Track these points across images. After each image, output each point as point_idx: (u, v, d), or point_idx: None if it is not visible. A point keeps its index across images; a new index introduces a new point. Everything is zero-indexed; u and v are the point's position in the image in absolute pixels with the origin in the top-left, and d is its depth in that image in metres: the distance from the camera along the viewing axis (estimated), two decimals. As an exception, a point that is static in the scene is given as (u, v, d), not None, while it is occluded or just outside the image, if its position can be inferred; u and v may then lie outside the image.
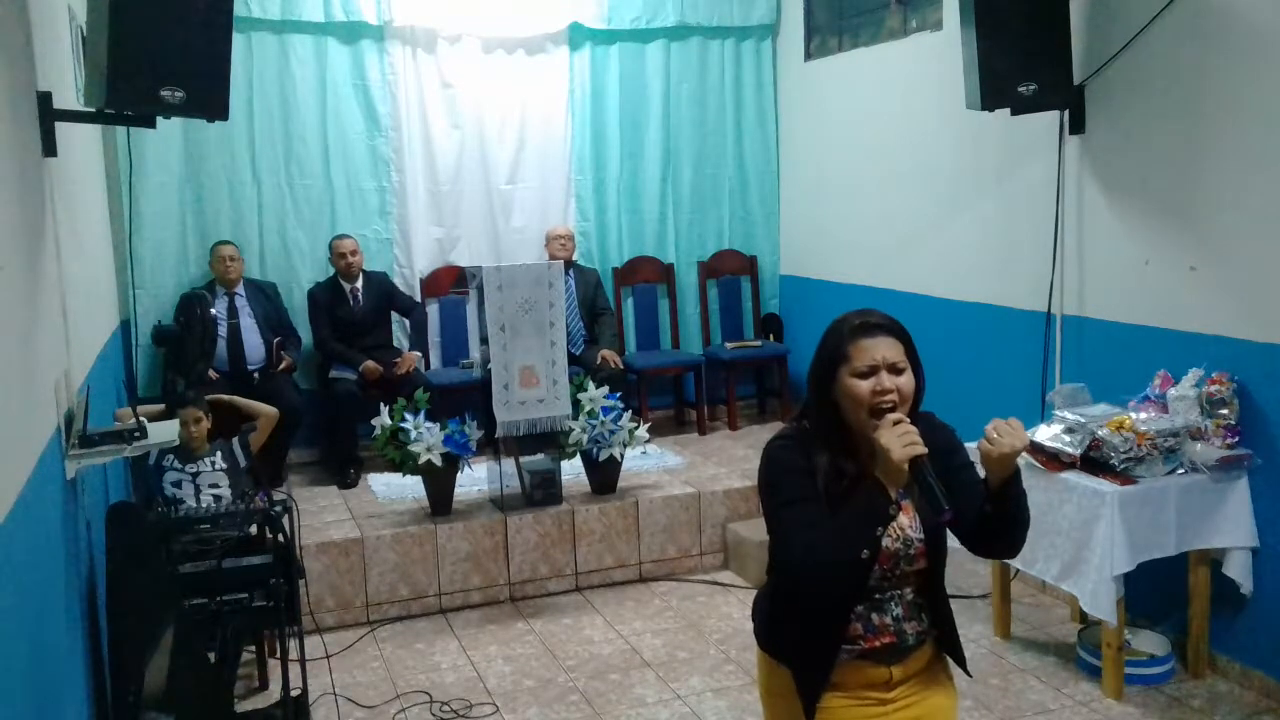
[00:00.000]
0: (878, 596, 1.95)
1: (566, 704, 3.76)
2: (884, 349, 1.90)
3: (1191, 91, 3.74)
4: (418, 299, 6.00)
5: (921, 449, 1.81)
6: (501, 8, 6.01)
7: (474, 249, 6.19)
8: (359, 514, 4.84)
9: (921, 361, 1.96)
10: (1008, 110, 4.16)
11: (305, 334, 5.71)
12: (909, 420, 1.86)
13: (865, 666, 1.96)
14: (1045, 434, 3.74)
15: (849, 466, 1.93)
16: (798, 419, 2.04)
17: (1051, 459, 3.67)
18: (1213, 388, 3.61)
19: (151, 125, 3.36)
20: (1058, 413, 3.80)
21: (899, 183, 5.47)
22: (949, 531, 1.99)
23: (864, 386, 1.89)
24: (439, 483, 4.72)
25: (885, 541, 1.89)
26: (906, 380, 1.91)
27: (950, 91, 4.42)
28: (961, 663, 2.08)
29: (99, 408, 3.38)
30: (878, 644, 1.95)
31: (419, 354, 5.73)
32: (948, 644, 2.06)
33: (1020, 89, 4.01)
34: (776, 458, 1.99)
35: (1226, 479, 3.58)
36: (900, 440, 1.80)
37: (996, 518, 1.91)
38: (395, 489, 5.06)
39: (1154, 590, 3.85)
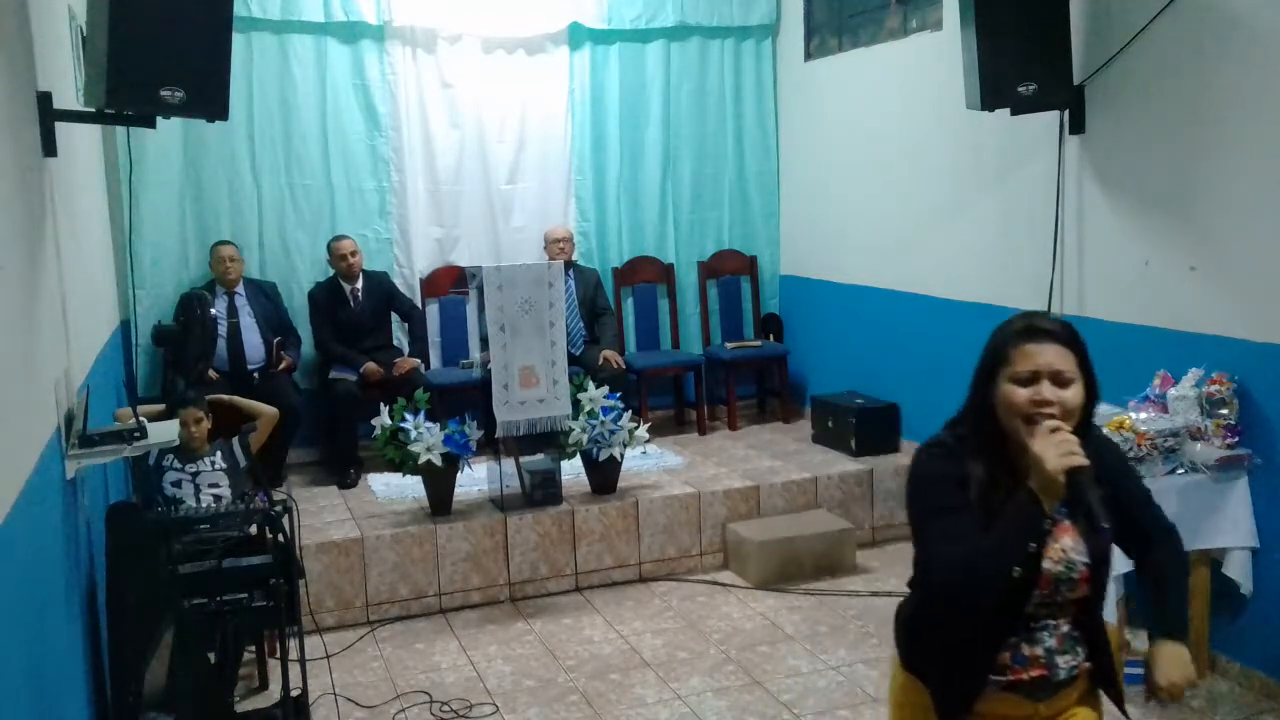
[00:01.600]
0: (1032, 625, 1.82)
1: (566, 704, 3.76)
2: (1050, 356, 1.76)
3: (1191, 91, 3.74)
4: (418, 299, 6.00)
5: (1081, 460, 1.68)
6: (501, 8, 6.01)
7: (474, 249, 6.19)
8: (359, 514, 4.84)
9: (1096, 375, 1.81)
10: (1008, 110, 4.16)
11: (305, 334, 5.71)
12: (1068, 429, 1.73)
13: (1010, 699, 1.84)
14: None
15: (1005, 478, 1.79)
16: (952, 426, 1.89)
17: (1051, 459, 3.66)
18: (1212, 388, 3.61)
19: (151, 125, 3.36)
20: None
21: (899, 182, 5.47)
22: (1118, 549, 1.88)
23: (1022, 394, 1.76)
24: (439, 483, 4.72)
25: (1045, 564, 1.77)
26: (1073, 394, 1.76)
27: (950, 91, 4.42)
28: (1119, 701, 1.95)
29: (99, 408, 3.38)
30: (1025, 677, 1.83)
31: (418, 360, 5.73)
32: (1103, 679, 1.93)
33: (1020, 89, 4.01)
34: (924, 465, 1.85)
35: (1226, 479, 3.58)
36: (1057, 449, 1.68)
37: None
38: (395, 489, 5.06)
39: (1154, 590, 3.84)
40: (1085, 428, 1.80)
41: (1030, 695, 1.84)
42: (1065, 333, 1.79)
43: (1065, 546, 1.81)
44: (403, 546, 4.56)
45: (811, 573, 4.81)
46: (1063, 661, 1.84)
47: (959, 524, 1.75)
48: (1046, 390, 1.74)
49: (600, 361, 5.70)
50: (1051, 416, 1.73)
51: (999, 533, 1.72)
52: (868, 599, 4.57)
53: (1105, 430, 3.58)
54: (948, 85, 4.51)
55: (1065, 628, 1.85)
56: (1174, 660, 1.85)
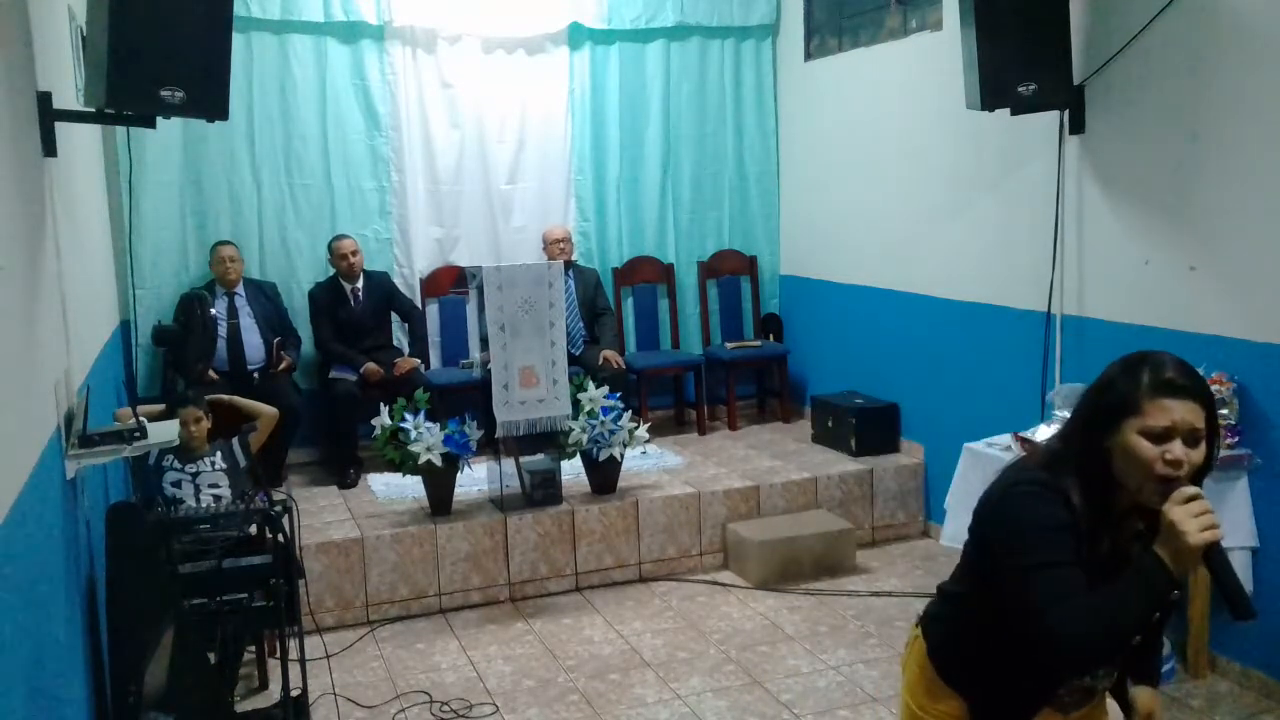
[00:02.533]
0: None
1: (566, 704, 3.76)
2: (1186, 413, 1.65)
3: (1191, 91, 3.74)
4: (418, 299, 6.00)
5: (1219, 534, 1.59)
6: (501, 8, 6.01)
7: (474, 249, 6.19)
8: (359, 514, 4.84)
9: (1218, 434, 1.73)
10: (1008, 110, 4.16)
11: (305, 334, 5.71)
12: (1205, 498, 1.62)
13: (1046, 714, 1.87)
14: (1045, 434, 3.74)
15: (1105, 530, 1.72)
16: (1050, 466, 1.76)
17: (1051, 459, 3.66)
18: (1213, 388, 3.61)
19: (151, 125, 3.36)
20: (1058, 412, 3.81)
21: (899, 183, 5.47)
22: None
23: (1153, 451, 1.64)
24: (439, 483, 4.72)
25: None
26: (1200, 454, 1.66)
27: (950, 91, 4.42)
28: (1122, 701, 1.98)
29: (99, 408, 3.38)
30: (1069, 698, 1.87)
31: (418, 360, 5.73)
32: (1124, 674, 1.96)
33: (1020, 89, 4.01)
34: (1033, 506, 1.71)
35: (1226, 479, 3.58)
36: (1198, 522, 1.57)
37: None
38: (395, 489, 5.06)
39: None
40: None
41: (1064, 709, 1.88)
42: (1204, 390, 1.69)
43: None
44: (403, 546, 4.56)
45: (811, 573, 4.81)
46: (1103, 684, 1.89)
47: (1073, 578, 1.65)
48: (1178, 449, 1.64)
49: (600, 361, 5.70)
50: (1180, 478, 1.64)
51: (1127, 598, 1.62)
52: (868, 599, 4.57)
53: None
54: (948, 85, 4.51)
55: None
56: (1157, 703, 1.96)
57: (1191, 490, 1.61)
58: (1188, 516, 1.57)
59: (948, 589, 1.98)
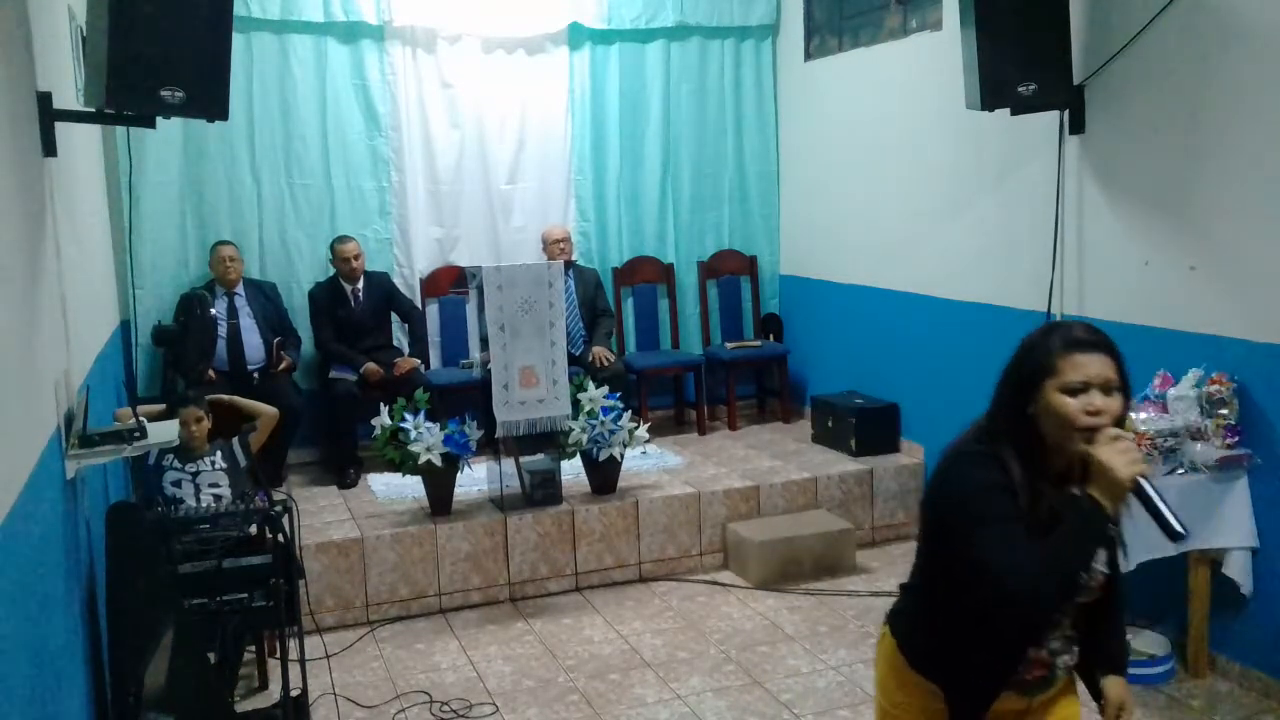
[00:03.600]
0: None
1: (566, 704, 3.76)
2: (1099, 365, 1.78)
3: (1191, 91, 3.74)
4: (418, 299, 6.00)
5: (1145, 467, 1.73)
6: (501, 8, 6.01)
7: (474, 249, 6.19)
8: (359, 514, 4.84)
9: (1130, 383, 1.84)
10: (1007, 110, 4.16)
11: (305, 334, 5.71)
12: (1130, 437, 1.76)
13: (1008, 697, 1.90)
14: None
15: (1045, 486, 1.82)
16: (981, 437, 1.88)
17: (1051, 459, 3.66)
18: (1212, 388, 3.61)
19: (151, 125, 3.35)
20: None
21: (899, 183, 5.47)
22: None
23: (1074, 405, 1.77)
24: (439, 483, 4.72)
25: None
26: (1117, 403, 1.78)
27: (950, 91, 4.42)
28: (1092, 686, 2.02)
29: (99, 408, 3.38)
30: (1029, 676, 1.90)
31: (418, 360, 5.73)
32: (1090, 663, 2.00)
33: (1020, 89, 4.01)
34: (971, 473, 1.83)
35: (1226, 479, 3.58)
36: (1124, 457, 1.71)
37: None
38: (395, 489, 5.06)
39: (1154, 590, 3.85)
40: None
41: (1028, 692, 1.91)
42: (1110, 343, 1.82)
43: None
44: (403, 546, 4.56)
45: (811, 573, 4.81)
46: (1061, 661, 1.92)
47: (1016, 532, 1.74)
48: (1098, 399, 1.76)
49: (590, 358, 5.70)
50: (1104, 424, 1.75)
51: (1069, 539, 1.73)
52: (868, 599, 4.57)
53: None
54: (948, 85, 4.51)
55: (1066, 629, 1.91)
56: (1127, 693, 2.00)
57: (1115, 431, 1.73)
58: (1115, 454, 1.71)
59: (910, 583, 2.05)
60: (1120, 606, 2.02)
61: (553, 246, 5.99)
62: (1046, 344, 1.82)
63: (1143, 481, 1.72)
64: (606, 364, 5.73)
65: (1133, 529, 3.55)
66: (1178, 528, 1.70)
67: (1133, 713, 2.00)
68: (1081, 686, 2.06)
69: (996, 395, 1.89)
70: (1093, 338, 1.81)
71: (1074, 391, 1.77)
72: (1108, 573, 1.88)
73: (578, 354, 5.78)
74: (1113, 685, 2.00)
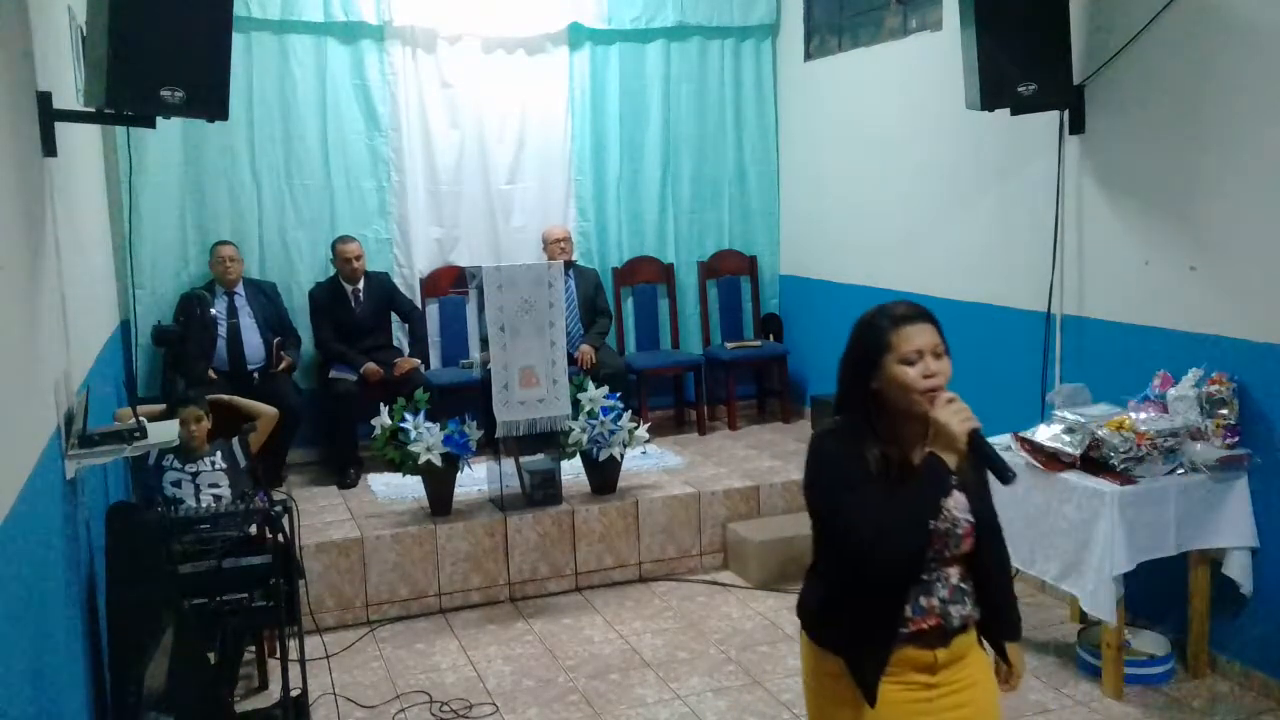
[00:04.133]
0: (924, 578, 2.01)
1: (566, 704, 3.76)
2: (927, 336, 1.98)
3: (1191, 91, 3.74)
4: (418, 299, 6.00)
5: (977, 423, 1.92)
6: (501, 8, 6.01)
7: (474, 249, 6.19)
8: (359, 514, 4.84)
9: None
10: (1008, 110, 4.16)
11: (305, 334, 5.71)
12: (960, 399, 1.96)
13: (911, 649, 2.02)
14: (1045, 434, 3.74)
15: (895, 453, 2.00)
16: (835, 415, 2.09)
17: (1051, 459, 3.67)
18: (1212, 388, 3.61)
19: (151, 125, 3.36)
20: (1057, 413, 3.80)
21: (899, 183, 5.47)
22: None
23: (913, 372, 1.96)
24: (439, 483, 4.72)
25: (932, 523, 1.97)
26: (947, 364, 2.00)
27: (950, 91, 4.42)
28: (999, 647, 2.17)
29: (99, 408, 3.38)
30: (925, 626, 2.02)
31: (418, 360, 5.73)
32: (988, 630, 2.13)
33: (1020, 89, 4.01)
34: (826, 449, 2.04)
35: (1226, 479, 3.58)
36: (957, 415, 1.91)
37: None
38: (395, 489, 5.06)
39: (1154, 590, 3.85)
40: None
41: (927, 644, 2.03)
42: (929, 313, 2.03)
43: (949, 507, 2.01)
44: (403, 546, 4.56)
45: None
46: (955, 611, 2.04)
47: (869, 494, 1.94)
48: (932, 364, 1.96)
49: (576, 354, 5.67)
50: (940, 386, 1.95)
51: (914, 492, 1.94)
52: (868, 599, 4.56)
53: (1105, 431, 3.58)
54: (948, 85, 4.51)
55: (955, 580, 2.05)
56: (1020, 660, 2.19)
57: (949, 395, 1.95)
58: (950, 414, 1.91)
59: (809, 566, 2.23)
60: (1003, 564, 2.18)
61: (553, 246, 5.99)
62: (879, 324, 2.01)
63: (977, 435, 1.92)
64: (590, 363, 5.68)
65: (1131, 529, 3.55)
66: (1009, 473, 1.92)
67: (1020, 676, 2.19)
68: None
69: (840, 377, 2.08)
70: (916, 311, 2.02)
71: (910, 361, 1.96)
72: (973, 521, 2.04)
73: (577, 354, 5.77)
74: (1011, 651, 2.16)
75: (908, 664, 2.02)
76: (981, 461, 1.96)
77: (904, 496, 1.93)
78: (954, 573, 2.04)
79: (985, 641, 2.14)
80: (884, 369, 1.98)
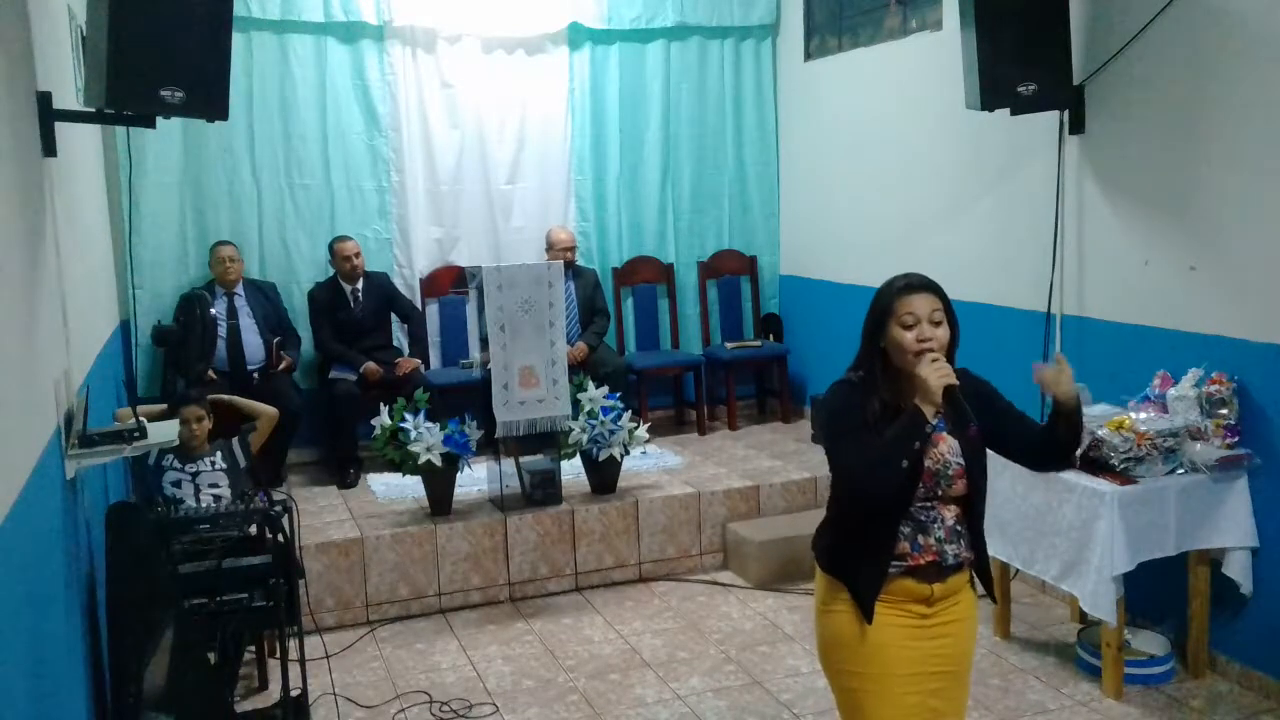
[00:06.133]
0: (921, 517, 2.28)
1: (566, 704, 3.76)
2: (925, 304, 2.25)
3: (1191, 91, 3.74)
4: (418, 299, 6.00)
5: (954, 380, 2.19)
6: (501, 8, 6.01)
7: (474, 249, 6.19)
8: (359, 514, 4.84)
9: (956, 316, 2.31)
10: (1007, 110, 4.16)
11: (305, 334, 5.71)
12: (944, 359, 2.22)
13: (910, 582, 2.29)
14: (1045, 434, 3.74)
15: (898, 405, 2.25)
16: (854, 369, 2.36)
17: (1051, 459, 3.66)
18: (1212, 388, 3.61)
19: (151, 125, 3.35)
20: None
21: (899, 183, 5.47)
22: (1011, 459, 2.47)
23: (908, 335, 2.23)
24: (439, 483, 4.72)
25: (927, 463, 2.24)
26: (944, 331, 2.26)
27: (950, 91, 4.42)
28: (989, 587, 2.51)
29: (99, 408, 3.38)
30: (922, 561, 2.28)
31: (419, 360, 5.73)
32: (979, 569, 2.40)
33: (1020, 89, 4.01)
34: (836, 400, 2.33)
35: (1226, 479, 3.58)
36: (936, 372, 2.18)
37: (1063, 432, 2.33)
38: (395, 489, 5.06)
39: (1154, 590, 3.85)
40: (952, 361, 2.29)
41: (925, 578, 2.29)
42: (934, 285, 2.30)
43: (942, 451, 2.29)
44: (403, 546, 4.56)
45: (811, 573, 4.78)
46: (950, 550, 2.30)
47: (863, 439, 2.23)
48: (926, 329, 2.23)
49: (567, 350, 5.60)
50: (932, 349, 2.21)
51: (892, 435, 2.20)
52: (868, 599, 4.56)
53: (1105, 430, 3.59)
54: (948, 85, 4.51)
55: (951, 521, 2.30)
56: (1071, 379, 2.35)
57: (933, 355, 2.21)
58: (931, 372, 2.18)
59: (826, 506, 2.51)
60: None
61: (558, 252, 5.91)
62: (889, 291, 2.30)
63: (952, 390, 2.19)
64: (578, 359, 5.58)
65: (1131, 529, 3.54)
66: (971, 419, 2.26)
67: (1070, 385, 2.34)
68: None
69: (861, 340, 2.35)
70: (919, 281, 2.30)
71: (908, 325, 2.24)
72: (963, 464, 2.29)
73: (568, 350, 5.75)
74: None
75: (906, 594, 2.29)
76: (954, 412, 2.25)
77: (886, 439, 2.20)
78: (950, 514, 2.30)
79: (977, 580, 2.42)
80: (889, 330, 2.26)
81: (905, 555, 2.28)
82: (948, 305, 2.30)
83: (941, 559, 2.28)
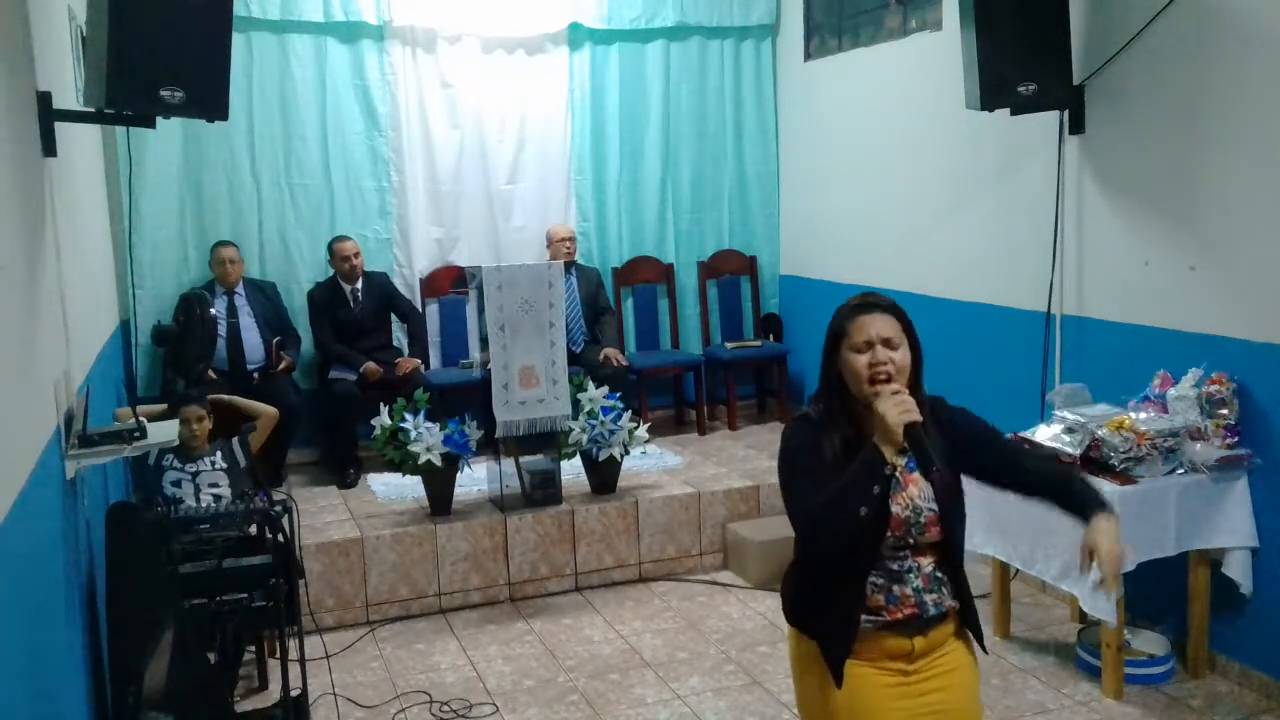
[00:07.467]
0: (895, 567, 2.04)
1: (566, 704, 3.76)
2: (879, 326, 2.04)
3: (1191, 91, 3.74)
4: (418, 299, 6.00)
5: (916, 417, 1.94)
6: (501, 8, 6.01)
7: (474, 249, 6.19)
8: (359, 514, 4.84)
9: (919, 339, 2.11)
10: (1007, 110, 4.16)
11: (305, 334, 5.71)
12: (906, 392, 1.99)
13: (888, 637, 2.05)
14: (1045, 434, 3.74)
15: (859, 441, 2.02)
16: (814, 401, 2.15)
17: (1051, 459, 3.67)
18: (1212, 388, 3.61)
19: (151, 125, 3.36)
20: (1057, 413, 3.80)
21: (899, 182, 5.47)
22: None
23: (861, 360, 2.03)
24: (439, 483, 4.72)
25: (895, 509, 2.02)
26: (901, 355, 2.04)
27: (950, 91, 4.42)
28: (980, 639, 2.17)
29: (99, 408, 3.38)
30: (900, 615, 2.04)
31: (419, 360, 5.73)
32: (968, 619, 2.14)
33: (1020, 89, 4.01)
34: (790, 437, 2.11)
35: (1226, 479, 3.58)
36: (896, 408, 1.94)
37: (1069, 512, 2.11)
38: (395, 489, 5.06)
39: (1154, 590, 3.85)
40: (918, 391, 2.07)
41: (905, 633, 2.05)
42: (890, 305, 2.08)
43: (912, 495, 2.05)
44: (403, 546, 4.56)
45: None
46: (930, 600, 2.06)
47: (818, 482, 1.99)
48: (880, 353, 2.01)
49: (601, 359, 5.69)
50: (888, 374, 2.00)
51: (848, 479, 1.95)
52: (868, 599, 4.57)
53: (1105, 431, 3.58)
54: (948, 85, 4.51)
55: (929, 569, 2.07)
56: (1111, 531, 2.02)
57: (894, 388, 1.98)
58: (891, 407, 1.94)
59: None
60: (1057, 469, 2.24)
61: (558, 245, 5.96)
62: (841, 312, 2.10)
63: (914, 429, 1.94)
64: (619, 364, 5.72)
65: (1131, 529, 3.54)
66: (933, 463, 1.94)
67: (1118, 555, 2.03)
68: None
69: (821, 363, 2.14)
70: (872, 301, 2.08)
71: (861, 349, 2.03)
72: (935, 510, 2.05)
73: (579, 351, 5.78)
74: (1096, 523, 2.05)
75: (884, 651, 2.05)
76: (915, 454, 1.97)
77: (840, 485, 1.96)
78: (927, 562, 2.06)
79: (968, 631, 2.16)
80: (842, 355, 2.06)
81: (880, 609, 2.04)
82: (908, 326, 2.08)
83: (921, 610, 2.04)
